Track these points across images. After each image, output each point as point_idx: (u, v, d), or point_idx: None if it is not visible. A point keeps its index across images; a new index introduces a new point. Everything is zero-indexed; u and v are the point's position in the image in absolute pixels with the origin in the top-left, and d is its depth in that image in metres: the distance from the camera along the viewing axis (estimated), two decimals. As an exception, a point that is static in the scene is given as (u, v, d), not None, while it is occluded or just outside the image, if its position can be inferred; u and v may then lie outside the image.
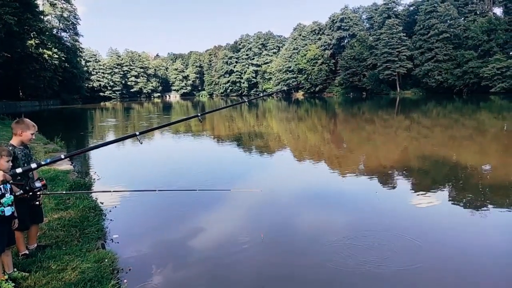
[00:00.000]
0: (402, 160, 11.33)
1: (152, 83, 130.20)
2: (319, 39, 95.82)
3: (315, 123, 25.68)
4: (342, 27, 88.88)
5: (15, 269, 3.48)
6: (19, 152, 3.69)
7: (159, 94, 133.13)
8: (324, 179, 8.80)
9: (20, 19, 26.85)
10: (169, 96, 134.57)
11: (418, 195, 7.30)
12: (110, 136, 20.61)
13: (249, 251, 4.77)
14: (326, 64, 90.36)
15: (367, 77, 76.40)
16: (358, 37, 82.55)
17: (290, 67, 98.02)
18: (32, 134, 3.81)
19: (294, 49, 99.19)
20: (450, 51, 64.12)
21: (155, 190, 3.06)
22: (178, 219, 6.07)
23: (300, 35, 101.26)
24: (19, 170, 2.12)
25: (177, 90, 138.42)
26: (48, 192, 2.40)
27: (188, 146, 15.46)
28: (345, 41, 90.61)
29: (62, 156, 2.58)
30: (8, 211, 3.27)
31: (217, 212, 6.26)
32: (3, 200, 3.24)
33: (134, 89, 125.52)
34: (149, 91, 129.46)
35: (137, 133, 2.56)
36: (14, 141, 3.76)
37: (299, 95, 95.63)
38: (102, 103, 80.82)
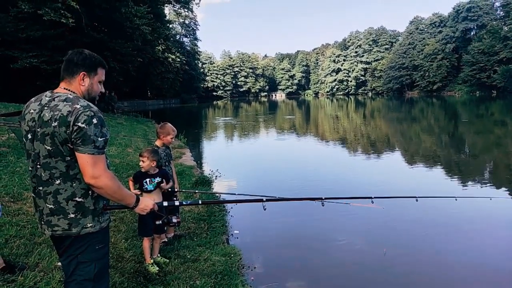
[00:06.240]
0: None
1: (259, 82, 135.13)
2: (440, 32, 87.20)
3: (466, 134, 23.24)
4: (469, 17, 79.11)
5: (159, 255, 3.94)
6: (161, 152, 4.26)
7: (265, 93, 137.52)
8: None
9: (153, 29, 30.55)
10: (275, 95, 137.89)
11: None
12: (221, 134, 21.77)
13: (372, 265, 4.54)
14: (447, 60, 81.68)
15: (499, 73, 66.34)
16: (489, 27, 72.32)
17: (404, 63, 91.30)
18: (171, 138, 4.38)
19: (409, 44, 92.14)
20: None
21: (299, 199, 3.14)
22: (296, 225, 5.99)
23: (417, 28, 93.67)
24: (165, 203, 2.50)
25: (283, 90, 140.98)
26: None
27: (300, 149, 15.28)
28: (472, 33, 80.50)
29: (200, 202, 3.11)
30: None
31: (338, 223, 6.02)
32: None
33: (243, 89, 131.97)
34: (257, 90, 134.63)
35: (264, 198, 2.75)
36: (158, 142, 4.39)
37: (413, 93, 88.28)
38: (214, 102, 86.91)
